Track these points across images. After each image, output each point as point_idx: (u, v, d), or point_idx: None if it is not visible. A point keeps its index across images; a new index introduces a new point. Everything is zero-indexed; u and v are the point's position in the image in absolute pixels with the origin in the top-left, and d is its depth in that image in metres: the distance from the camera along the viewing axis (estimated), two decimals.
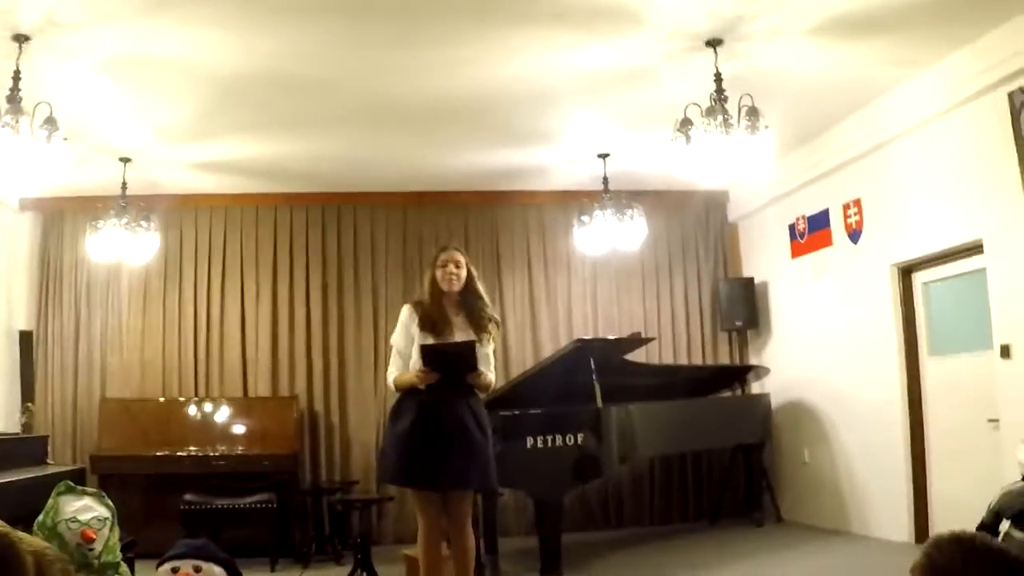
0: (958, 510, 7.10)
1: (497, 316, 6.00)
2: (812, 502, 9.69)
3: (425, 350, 5.59)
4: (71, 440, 9.63)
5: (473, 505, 6.44)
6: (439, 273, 5.82)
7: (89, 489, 4.73)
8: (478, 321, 5.81)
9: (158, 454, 9.01)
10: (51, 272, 9.87)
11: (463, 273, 5.84)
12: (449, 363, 5.62)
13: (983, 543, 1.71)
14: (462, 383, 5.64)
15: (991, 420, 7.11)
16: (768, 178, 9.53)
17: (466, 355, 5.60)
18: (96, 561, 4.43)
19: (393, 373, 5.87)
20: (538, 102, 7.65)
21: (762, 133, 6.18)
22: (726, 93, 6.27)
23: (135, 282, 9.88)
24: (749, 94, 6.23)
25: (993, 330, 7.04)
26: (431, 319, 5.77)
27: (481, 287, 5.96)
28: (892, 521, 8.25)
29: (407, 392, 5.76)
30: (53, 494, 4.52)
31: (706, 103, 6.27)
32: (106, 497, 4.70)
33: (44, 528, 4.37)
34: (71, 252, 9.83)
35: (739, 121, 6.18)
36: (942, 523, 7.65)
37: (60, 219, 9.91)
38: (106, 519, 4.55)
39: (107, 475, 8.71)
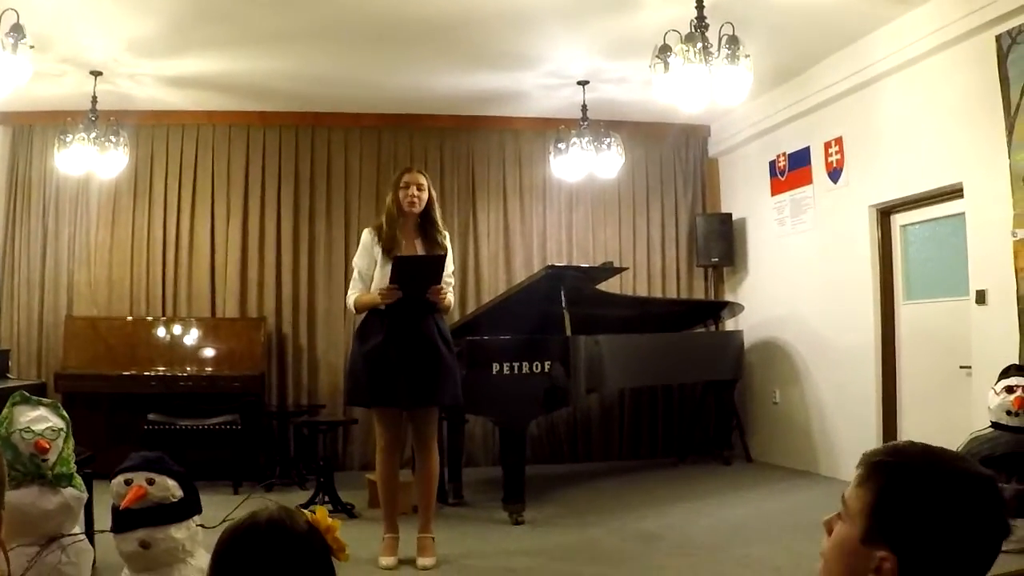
0: None
1: (446, 232, 6.05)
2: (781, 443, 9.68)
3: (398, 261, 5.66)
4: (36, 357, 9.51)
5: (439, 431, 6.45)
6: (401, 195, 5.86)
7: (44, 400, 4.67)
8: (434, 245, 5.89)
9: (124, 374, 8.90)
10: (19, 187, 9.66)
11: (424, 196, 5.90)
12: (416, 276, 5.66)
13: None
14: (424, 300, 5.66)
15: (963, 367, 7.09)
16: (750, 113, 9.48)
17: (435, 267, 5.67)
18: (50, 472, 4.37)
19: (354, 295, 5.93)
20: (517, 24, 7.47)
21: (742, 63, 6.05)
22: (707, 21, 6.12)
23: (104, 199, 9.70)
24: (731, 23, 6.09)
25: (969, 276, 6.99)
26: (392, 240, 5.84)
27: (437, 211, 6.03)
28: None
29: (373, 312, 5.82)
30: (8, 404, 4.46)
31: (687, 31, 6.14)
32: (61, 408, 4.64)
33: None
34: (39, 167, 9.62)
35: (719, 50, 6.04)
36: None
37: (29, 133, 9.69)
38: (60, 430, 4.49)
39: (71, 393, 8.61)
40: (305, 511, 1.95)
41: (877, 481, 1.66)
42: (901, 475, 1.64)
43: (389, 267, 5.71)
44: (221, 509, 3.94)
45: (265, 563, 1.82)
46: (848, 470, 8.30)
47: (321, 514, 1.92)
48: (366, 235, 5.99)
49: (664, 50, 6.14)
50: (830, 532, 1.74)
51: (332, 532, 1.90)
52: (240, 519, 1.86)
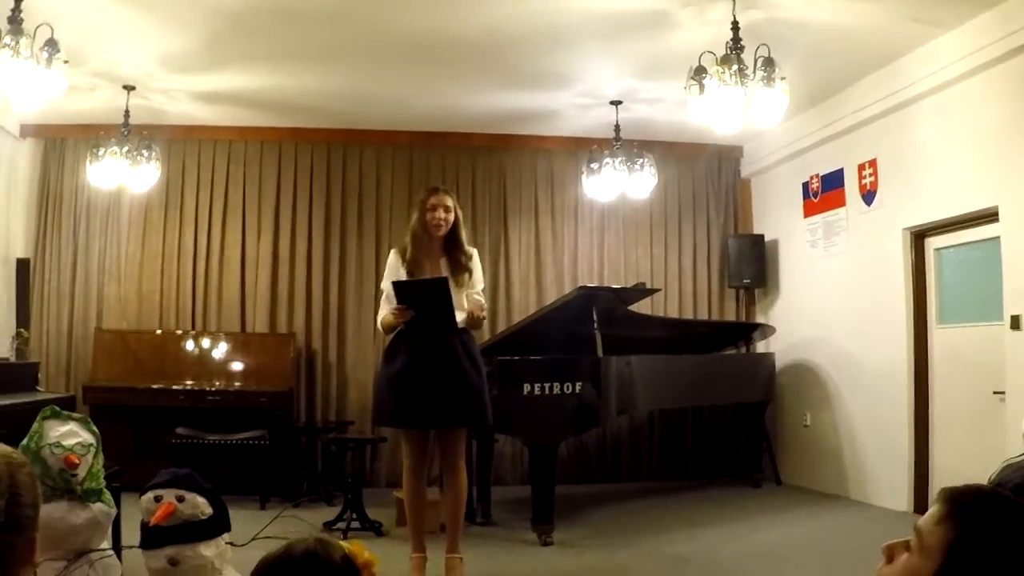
0: (959, 482, 6.97)
1: (471, 249, 5.96)
2: (812, 466, 9.59)
3: (397, 286, 5.61)
4: (65, 370, 9.56)
5: (467, 450, 6.40)
6: (428, 216, 5.78)
7: (74, 415, 4.65)
8: (458, 265, 5.79)
9: (152, 387, 8.91)
10: (50, 200, 9.73)
11: (451, 217, 5.82)
12: (422, 299, 5.59)
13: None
14: (442, 320, 5.58)
15: (997, 392, 7.01)
16: (783, 134, 9.42)
17: (437, 290, 5.55)
18: (79, 487, 4.35)
19: (381, 315, 5.84)
20: (552, 43, 7.46)
21: (777, 85, 6.01)
22: (742, 43, 6.08)
23: (135, 213, 9.75)
24: (766, 44, 6.05)
25: (1004, 300, 6.90)
26: (416, 262, 5.79)
27: (463, 232, 5.95)
28: (892, 490, 8.15)
29: (399, 333, 5.75)
30: (38, 418, 4.44)
31: (722, 52, 6.10)
32: (91, 423, 4.61)
33: (28, 452, 4.28)
34: (71, 180, 9.68)
35: (754, 72, 6.00)
36: None
37: (61, 146, 9.76)
38: (90, 445, 4.47)
39: (99, 406, 8.62)
40: (343, 543, 1.92)
41: (960, 522, 1.67)
42: (985, 523, 1.66)
43: None
44: (247, 525, 3.95)
45: None
46: (879, 494, 8.26)
47: (358, 548, 1.89)
48: (392, 256, 5.93)
49: (699, 71, 6.09)
50: (890, 559, 1.76)
51: (369, 568, 1.87)
52: (276, 550, 1.83)
